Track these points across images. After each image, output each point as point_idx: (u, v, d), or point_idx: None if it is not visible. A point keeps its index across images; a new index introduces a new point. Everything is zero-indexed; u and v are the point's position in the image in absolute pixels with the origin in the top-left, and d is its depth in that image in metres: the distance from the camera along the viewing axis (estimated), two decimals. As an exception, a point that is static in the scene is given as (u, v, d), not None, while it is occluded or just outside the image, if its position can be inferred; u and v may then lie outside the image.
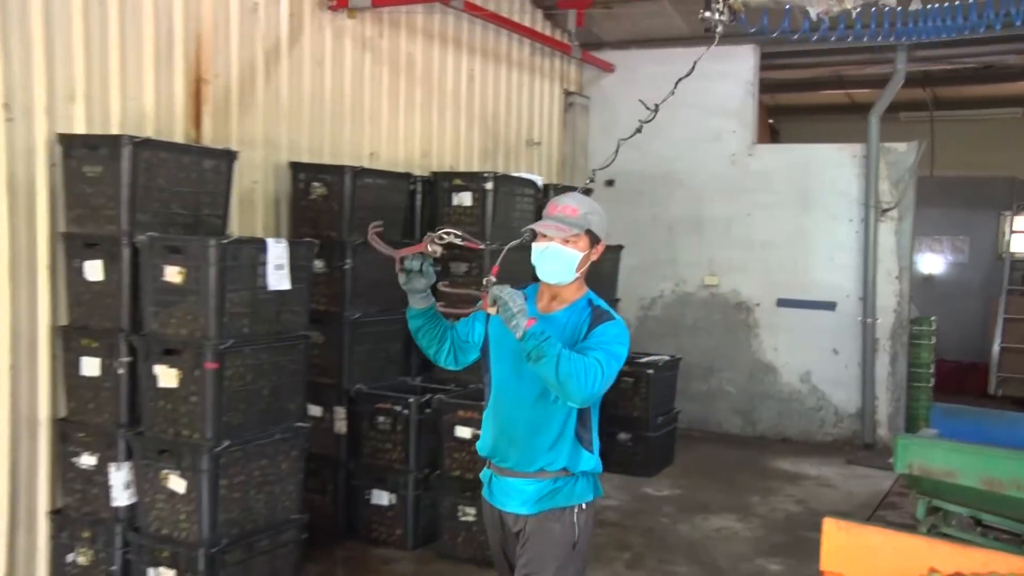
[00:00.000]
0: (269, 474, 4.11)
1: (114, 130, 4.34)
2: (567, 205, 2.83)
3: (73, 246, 4.13)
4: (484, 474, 2.99)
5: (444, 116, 6.81)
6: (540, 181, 6.20)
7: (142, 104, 4.53)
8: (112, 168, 4.00)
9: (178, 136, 4.67)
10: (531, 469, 2.83)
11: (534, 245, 2.81)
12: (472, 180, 5.60)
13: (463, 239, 2.75)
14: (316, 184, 5.19)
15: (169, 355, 3.90)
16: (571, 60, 8.35)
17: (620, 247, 7.36)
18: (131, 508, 4.02)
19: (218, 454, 3.83)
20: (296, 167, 5.28)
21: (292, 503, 4.25)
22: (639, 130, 3.67)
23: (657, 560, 5.06)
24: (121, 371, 4.01)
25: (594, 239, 2.84)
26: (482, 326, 2.99)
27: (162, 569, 3.85)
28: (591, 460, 2.88)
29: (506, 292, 2.59)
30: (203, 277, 3.85)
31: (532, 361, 2.58)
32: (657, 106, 3.66)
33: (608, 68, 8.55)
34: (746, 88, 8.17)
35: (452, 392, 5.10)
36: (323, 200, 5.17)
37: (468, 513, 4.81)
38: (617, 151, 3.59)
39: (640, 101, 3.81)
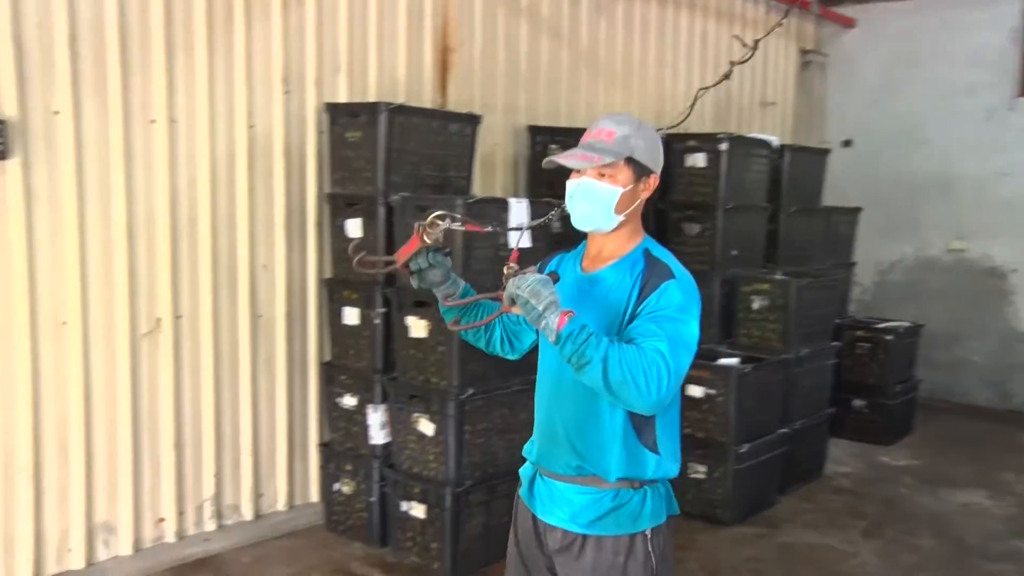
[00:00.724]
0: (510, 422, 4.35)
1: (371, 98, 4.72)
2: (602, 128, 2.18)
3: (336, 205, 4.54)
4: (525, 471, 2.37)
5: (677, 77, 6.79)
6: (776, 141, 6.05)
7: (395, 73, 4.89)
8: (370, 133, 4.34)
9: (427, 102, 5.00)
10: (581, 474, 2.19)
11: (567, 183, 2.20)
12: (706, 141, 5.56)
13: (462, 222, 2.23)
14: (553, 146, 5.36)
15: (419, 307, 4.20)
16: (809, 16, 8.02)
17: (858, 209, 7.06)
18: (386, 446, 4.39)
19: (463, 401, 4.09)
20: (534, 130, 5.49)
21: (529, 450, 4.48)
22: (728, 75, 3.09)
23: (897, 530, 4.88)
24: (377, 321, 4.37)
25: (641, 170, 2.16)
26: None
27: (413, 503, 4.20)
28: (659, 464, 2.19)
29: (526, 285, 1.94)
30: (449, 234, 4.09)
31: (574, 369, 1.97)
32: (756, 43, 3.19)
33: (849, 23, 8.14)
34: (1009, 35, 7.50)
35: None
36: (560, 162, 5.34)
37: (698, 471, 4.87)
38: (696, 100, 2.94)
39: (735, 37, 3.58)
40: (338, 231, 4.53)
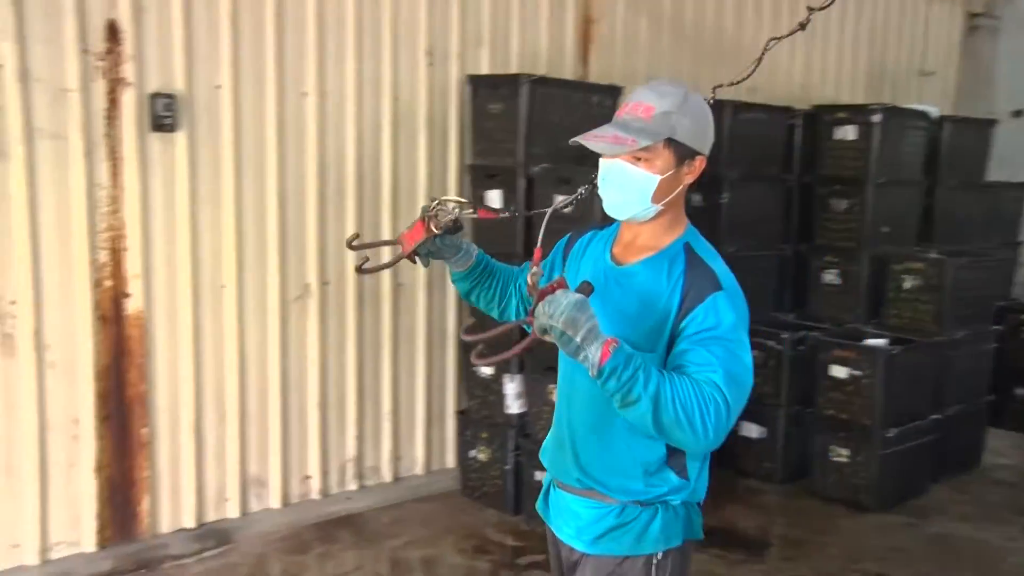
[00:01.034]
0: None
1: (513, 70, 4.75)
2: (640, 101, 1.85)
3: (477, 177, 4.61)
4: (546, 478, 2.14)
5: (828, 46, 6.51)
6: (935, 112, 5.73)
7: (537, 45, 4.90)
8: (511, 105, 4.38)
9: (568, 74, 4.99)
10: (583, 486, 1.95)
11: (600, 162, 1.90)
12: (858, 113, 5.32)
13: (474, 208, 2.02)
14: (695, 119, 5.26)
15: (557, 278, 4.23)
16: (978, -22, 7.54)
17: (1027, 184, 6.60)
18: (522, 416, 4.45)
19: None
20: (676, 102, 5.39)
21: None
22: (804, 25, 2.51)
23: (1067, 530, 4.59)
24: (516, 291, 4.42)
25: (684, 153, 1.84)
26: (557, 272, 2.12)
27: (546, 472, 4.23)
28: (683, 488, 1.91)
29: (559, 314, 1.61)
30: (589, 208, 4.08)
31: (617, 405, 1.71)
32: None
33: (1025, -16, 7.59)
34: None
35: (828, 330, 4.98)
36: (699, 135, 5.24)
37: (840, 454, 4.71)
38: (764, 53, 2.41)
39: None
40: (479, 202, 4.60)
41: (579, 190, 2.14)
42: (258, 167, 4.08)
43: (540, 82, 4.39)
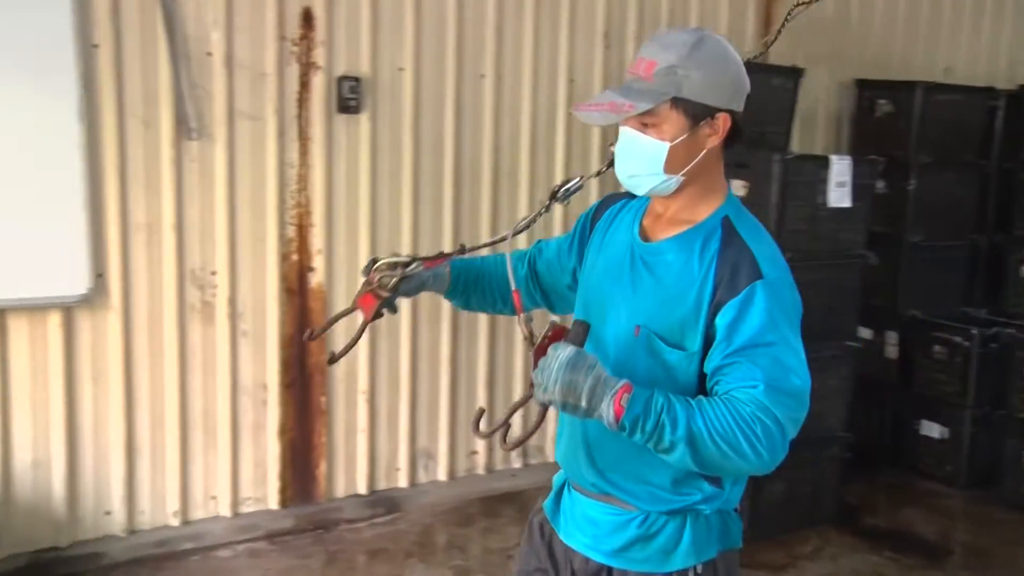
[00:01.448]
0: (818, 388, 4.16)
1: (690, 52, 4.65)
2: (642, 57, 1.60)
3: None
4: (557, 478, 1.85)
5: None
6: None
7: (717, 25, 4.78)
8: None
9: (748, 55, 4.83)
10: (598, 491, 1.71)
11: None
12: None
13: (419, 262, 1.80)
14: (882, 102, 5.00)
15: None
16: None
17: None
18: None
19: (770, 362, 3.98)
20: (862, 84, 5.14)
21: (838, 421, 4.27)
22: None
23: None
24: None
25: (697, 111, 1.56)
26: (574, 261, 1.88)
27: (713, 461, 4.17)
28: (715, 495, 1.66)
29: (553, 383, 1.41)
30: (765, 191, 3.98)
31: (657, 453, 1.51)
32: None
33: None
34: None
35: (1024, 327, 4.65)
36: (888, 118, 4.97)
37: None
38: (786, 22, 2.07)
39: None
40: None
41: (568, 186, 1.83)
42: (436, 147, 4.19)
43: (719, 64, 4.29)
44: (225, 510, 3.90)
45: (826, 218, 4.08)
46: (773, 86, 4.45)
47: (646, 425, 1.43)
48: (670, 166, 1.58)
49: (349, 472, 4.20)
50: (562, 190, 1.81)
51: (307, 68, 3.83)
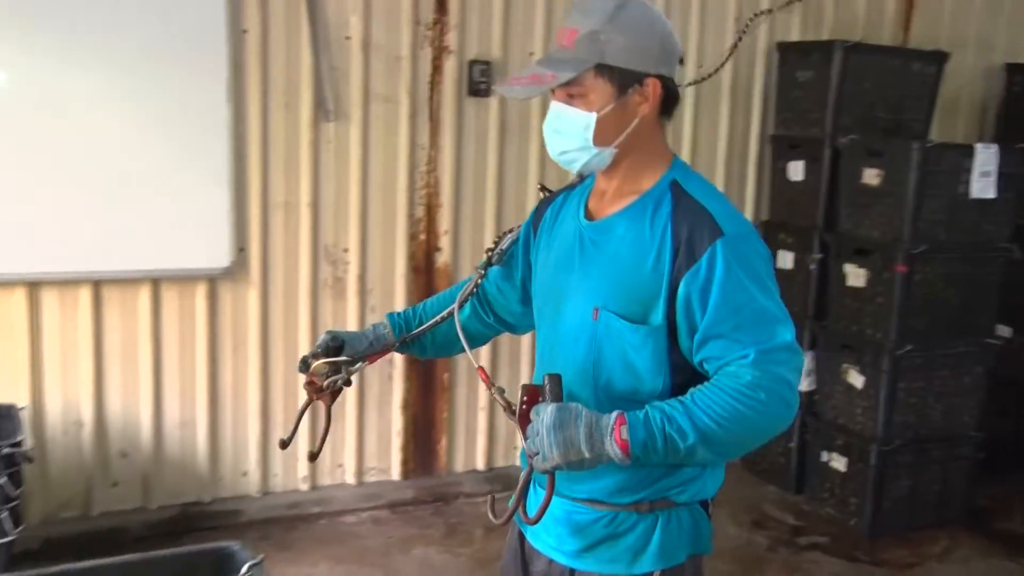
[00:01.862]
0: (949, 385, 4.02)
1: (826, 36, 4.54)
2: (564, 26, 1.51)
3: (779, 147, 4.48)
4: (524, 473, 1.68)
5: None
6: None
7: (854, 8, 4.65)
8: (822, 73, 4.19)
9: (886, 39, 4.68)
10: (575, 492, 1.58)
11: None
12: None
13: (356, 360, 1.75)
14: (1033, 87, 4.76)
15: (859, 255, 4.02)
16: None
17: None
18: (810, 394, 4.31)
19: (899, 357, 3.86)
20: (1012, 69, 4.89)
21: (971, 419, 4.11)
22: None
23: None
24: (812, 267, 4.26)
25: (624, 78, 1.47)
26: (522, 271, 1.81)
27: (835, 455, 4.09)
28: (694, 482, 1.56)
29: (549, 447, 1.37)
30: (902, 180, 3.85)
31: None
32: None
33: None
34: None
35: None
36: (1040, 105, 4.74)
37: None
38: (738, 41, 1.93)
39: None
40: (779, 173, 4.47)
41: (475, 278, 1.78)
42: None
43: (855, 48, 4.16)
44: (351, 478, 4.07)
45: (967, 209, 3.92)
46: (912, 71, 4.31)
47: (656, 446, 1.37)
48: (601, 137, 1.49)
49: (468, 448, 4.30)
50: (497, 251, 1.76)
51: (440, 52, 3.92)
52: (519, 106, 4.09)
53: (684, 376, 1.49)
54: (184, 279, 3.60)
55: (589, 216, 1.60)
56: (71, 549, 3.28)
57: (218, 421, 3.78)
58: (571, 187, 1.72)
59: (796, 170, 4.34)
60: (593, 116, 1.48)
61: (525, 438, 1.40)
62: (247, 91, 3.60)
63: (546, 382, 1.42)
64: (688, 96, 4.42)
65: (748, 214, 4.67)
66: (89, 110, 3.31)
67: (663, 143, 1.58)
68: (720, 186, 4.52)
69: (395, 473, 4.15)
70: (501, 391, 1.54)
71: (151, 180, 3.42)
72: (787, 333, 1.45)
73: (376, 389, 4.06)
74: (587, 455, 1.36)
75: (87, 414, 3.51)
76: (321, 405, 1.79)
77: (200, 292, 3.64)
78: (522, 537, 1.73)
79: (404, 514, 3.99)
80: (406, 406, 4.12)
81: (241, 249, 3.68)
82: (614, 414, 1.38)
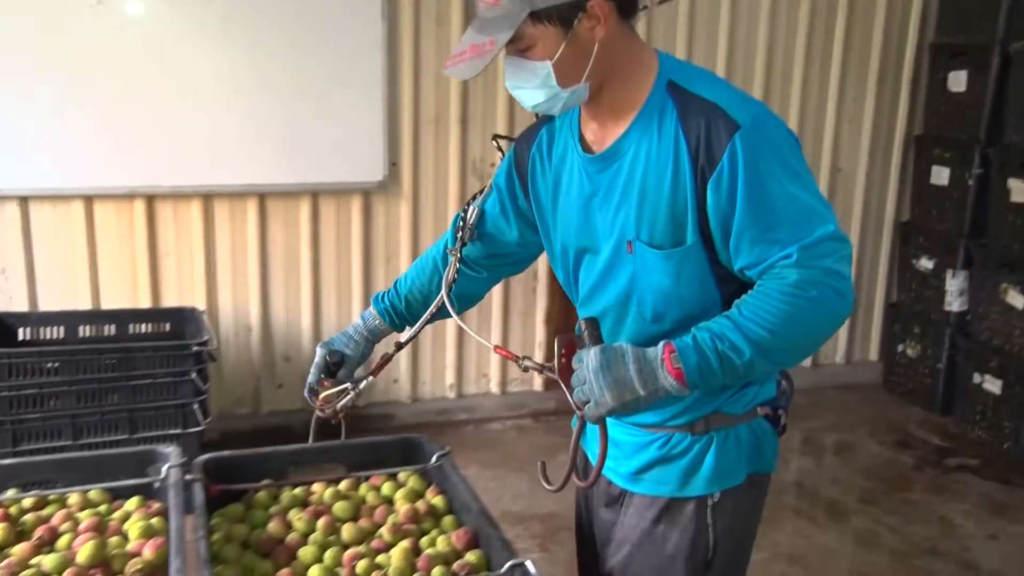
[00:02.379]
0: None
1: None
2: None
3: (939, 56, 4.26)
4: None
5: None
6: None
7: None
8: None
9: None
10: (628, 417, 1.44)
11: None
12: None
13: (355, 384, 1.68)
14: None
15: (1025, 169, 3.85)
16: None
17: None
18: (962, 314, 4.18)
19: (1064, 277, 3.71)
20: None
21: None
22: None
23: None
24: (971, 182, 4.08)
25: (564, 14, 1.31)
26: (519, 202, 1.63)
27: (988, 377, 3.97)
28: (748, 392, 1.49)
29: (601, 392, 1.27)
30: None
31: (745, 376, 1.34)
32: None
33: None
34: None
35: None
36: None
37: None
38: None
39: None
40: (937, 84, 4.28)
41: (455, 262, 1.64)
42: (710, 42, 4.15)
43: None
44: (495, 388, 4.21)
45: None
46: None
47: (712, 367, 1.27)
48: (566, 79, 1.35)
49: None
50: (468, 228, 1.63)
51: None
52: (667, 22, 4.02)
53: (732, 287, 1.39)
54: (341, 192, 3.74)
55: (588, 149, 1.47)
56: (245, 443, 3.52)
57: (372, 330, 3.95)
58: (541, 124, 1.56)
59: (958, 80, 4.14)
60: (548, 64, 1.33)
61: (571, 391, 1.31)
62: (400, 7, 3.66)
63: (583, 327, 1.33)
64: (843, 5, 4.25)
65: (899, 127, 4.51)
66: (254, 34, 3.44)
67: (639, 47, 1.41)
68: (871, 99, 4.41)
69: (537, 384, 4.27)
70: (527, 359, 1.45)
71: (311, 99, 3.55)
72: (828, 222, 1.31)
73: (520, 302, 4.16)
74: (642, 392, 1.27)
75: (254, 319, 3.74)
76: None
77: (355, 205, 3.78)
78: (586, 458, 1.67)
79: (546, 423, 4.12)
80: (549, 319, 4.21)
81: (393, 163, 3.79)
82: (661, 344, 1.28)
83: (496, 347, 1.58)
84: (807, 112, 4.37)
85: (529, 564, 1.38)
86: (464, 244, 1.63)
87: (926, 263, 4.32)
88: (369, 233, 3.85)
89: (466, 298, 1.76)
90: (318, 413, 1.69)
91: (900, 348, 4.49)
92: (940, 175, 4.24)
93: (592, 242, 1.48)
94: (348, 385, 1.68)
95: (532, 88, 1.36)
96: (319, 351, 1.71)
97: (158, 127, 3.38)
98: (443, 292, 1.61)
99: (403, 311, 1.75)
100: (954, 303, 4.18)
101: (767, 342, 1.27)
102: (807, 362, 4.71)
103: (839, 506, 3.48)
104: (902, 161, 4.55)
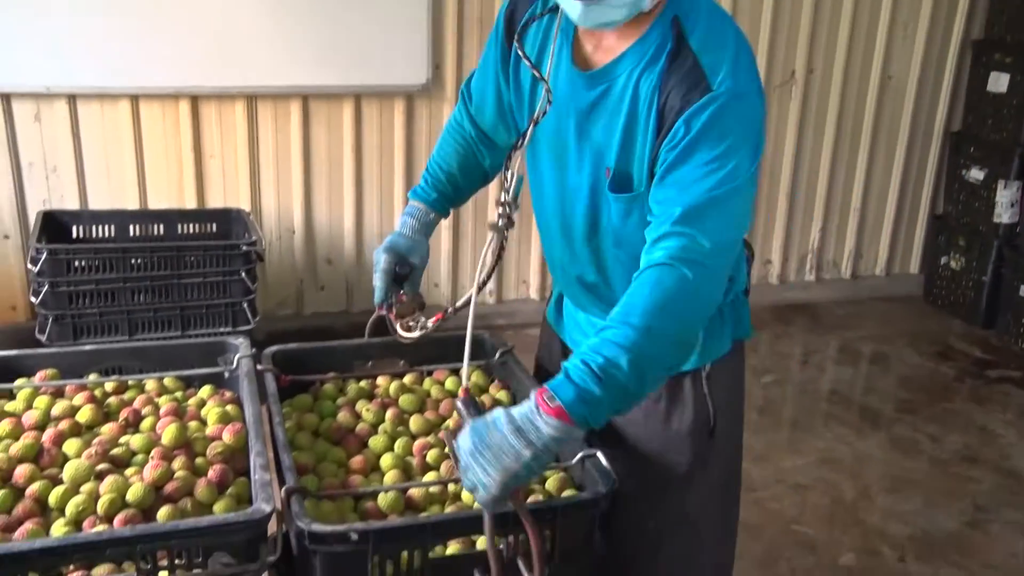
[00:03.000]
0: None
1: None
2: None
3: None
4: (555, 286, 1.70)
5: None
6: None
7: None
8: None
9: None
10: (604, 310, 1.38)
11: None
12: None
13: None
14: None
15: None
16: None
17: None
18: (1012, 226, 4.12)
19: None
20: None
21: None
22: None
23: None
24: (1028, 91, 3.98)
25: None
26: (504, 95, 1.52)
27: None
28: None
29: (478, 467, 1.14)
30: None
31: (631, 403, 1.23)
32: None
33: None
34: None
35: None
36: None
37: None
38: None
39: None
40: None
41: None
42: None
43: None
44: (535, 294, 4.23)
45: None
46: None
47: (594, 393, 1.14)
48: None
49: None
50: (512, 203, 1.36)
51: None
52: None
53: None
54: (384, 94, 3.71)
55: (584, 63, 1.36)
56: (290, 342, 3.59)
57: (414, 233, 3.96)
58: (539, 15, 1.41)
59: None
60: None
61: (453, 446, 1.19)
62: (445, -100, 3.57)
63: (461, 408, 1.22)
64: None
65: (955, 33, 4.38)
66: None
67: None
68: (927, 3, 4.26)
69: (576, 290, 4.28)
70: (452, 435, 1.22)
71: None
72: (720, 232, 1.22)
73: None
74: (527, 454, 1.12)
75: (298, 221, 3.76)
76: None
77: (398, 107, 3.74)
78: (563, 346, 1.64)
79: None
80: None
81: (437, 66, 3.74)
82: (532, 392, 1.17)
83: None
84: (860, 15, 4.25)
85: (600, 455, 1.40)
86: (511, 225, 1.38)
87: (976, 174, 4.24)
88: (412, 136, 3.82)
89: (480, 179, 1.68)
90: (400, 332, 1.58)
91: (943, 260, 4.44)
92: (998, 82, 4.12)
93: (560, 161, 1.41)
94: (423, 318, 1.58)
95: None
96: (384, 258, 1.57)
97: (202, 27, 3.34)
98: (474, 290, 1.38)
99: (451, 194, 1.64)
100: (1004, 215, 4.11)
101: (643, 341, 1.15)
102: (846, 272, 4.69)
103: (878, 414, 3.51)
104: (956, 68, 4.43)
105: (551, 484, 1.44)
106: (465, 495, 1.41)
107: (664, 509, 1.52)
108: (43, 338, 2.85)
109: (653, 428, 1.50)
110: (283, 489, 1.28)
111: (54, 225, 3.13)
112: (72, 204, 3.42)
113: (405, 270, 1.59)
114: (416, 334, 1.56)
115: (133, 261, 2.89)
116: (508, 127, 1.54)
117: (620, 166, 1.32)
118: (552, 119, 1.38)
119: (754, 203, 1.42)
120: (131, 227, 3.23)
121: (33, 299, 2.86)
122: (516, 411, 1.15)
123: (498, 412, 1.16)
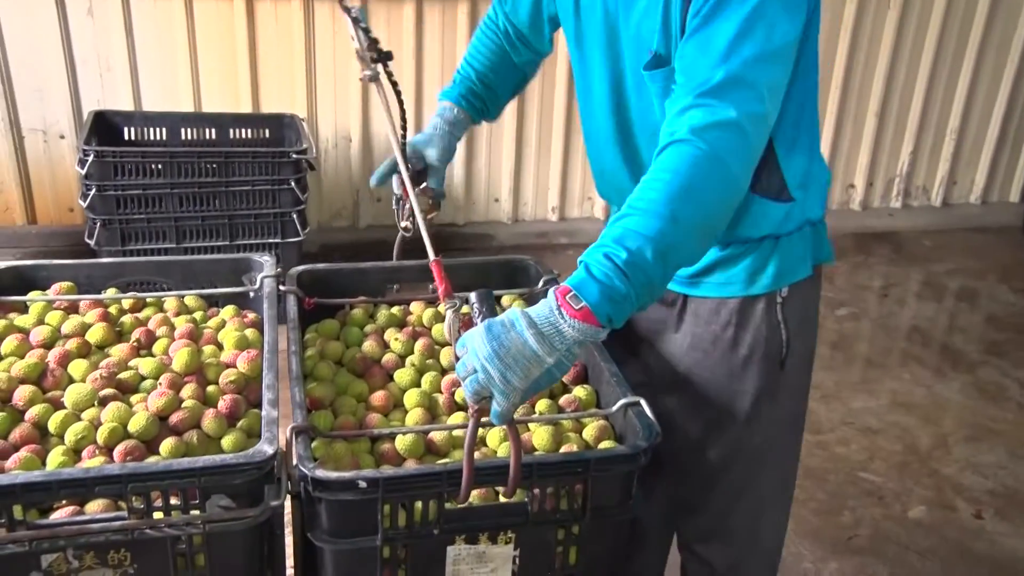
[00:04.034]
0: None
1: None
2: None
3: None
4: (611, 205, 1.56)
5: None
6: None
7: None
8: None
9: None
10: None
11: None
12: None
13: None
14: None
15: None
16: None
17: None
18: (1126, 157, 3.78)
19: None
20: None
21: None
22: None
23: None
24: None
25: None
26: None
27: None
28: (792, 212, 1.32)
29: (494, 372, 1.02)
30: None
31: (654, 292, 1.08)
32: None
33: None
34: None
35: None
36: None
37: None
38: None
39: None
40: None
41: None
42: None
43: None
44: (599, 212, 4.05)
45: None
46: None
47: (620, 289, 1.03)
48: None
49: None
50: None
51: None
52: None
53: None
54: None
55: None
56: (343, 256, 3.51)
57: (474, 148, 3.80)
58: None
59: None
60: None
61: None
62: None
63: (474, 301, 1.10)
64: None
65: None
66: None
67: None
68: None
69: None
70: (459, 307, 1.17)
71: None
72: (747, 103, 1.10)
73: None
74: (549, 360, 1.02)
75: (355, 129, 3.62)
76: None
77: (462, 8, 3.55)
78: None
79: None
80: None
81: (504, -35, 3.51)
82: (551, 291, 1.05)
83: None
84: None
85: (644, 403, 1.26)
86: (381, 55, 1.34)
87: (1091, 97, 3.87)
88: (476, 42, 3.62)
89: (519, 83, 1.62)
90: (400, 225, 1.48)
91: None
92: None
93: (609, 46, 1.29)
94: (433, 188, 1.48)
95: None
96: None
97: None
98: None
99: (481, 92, 1.55)
100: (1118, 143, 3.75)
101: (668, 228, 1.05)
102: (936, 199, 4.38)
103: (962, 356, 3.28)
104: (1078, -22, 4.02)
105: (589, 433, 1.31)
106: (491, 440, 1.29)
107: (725, 442, 1.40)
108: (92, 243, 2.80)
109: (718, 356, 1.37)
110: (289, 428, 1.17)
111: (106, 126, 3.06)
112: (126, 105, 3.34)
113: (419, 165, 1.48)
114: (405, 223, 1.48)
115: (181, 166, 2.81)
116: (541, 28, 1.49)
117: (660, 49, 1.21)
118: (599, 6, 1.28)
119: (817, 96, 1.28)
120: (183, 130, 3.15)
121: (81, 202, 2.80)
122: (535, 313, 1.04)
123: (515, 313, 1.04)
